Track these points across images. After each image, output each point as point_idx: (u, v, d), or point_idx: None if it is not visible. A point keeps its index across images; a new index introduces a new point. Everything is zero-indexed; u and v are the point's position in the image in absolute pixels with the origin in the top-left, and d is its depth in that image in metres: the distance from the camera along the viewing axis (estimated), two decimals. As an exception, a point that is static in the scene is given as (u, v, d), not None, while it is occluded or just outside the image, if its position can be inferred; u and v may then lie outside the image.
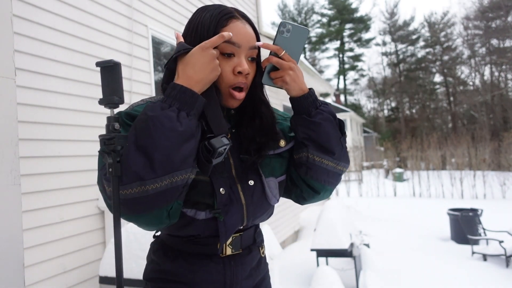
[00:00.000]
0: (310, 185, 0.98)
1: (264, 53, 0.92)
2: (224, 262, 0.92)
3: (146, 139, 0.73)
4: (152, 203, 0.74)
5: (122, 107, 0.83)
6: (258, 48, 0.93)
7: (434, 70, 37.29)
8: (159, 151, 0.73)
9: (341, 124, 0.99)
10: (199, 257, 0.91)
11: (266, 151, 0.95)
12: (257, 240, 1.01)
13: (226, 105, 0.90)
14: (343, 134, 0.98)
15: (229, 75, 0.86)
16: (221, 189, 0.88)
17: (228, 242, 0.93)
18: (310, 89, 0.95)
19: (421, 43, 38.46)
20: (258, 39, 0.92)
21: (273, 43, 0.92)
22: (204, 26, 0.87)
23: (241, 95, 0.89)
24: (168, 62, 0.85)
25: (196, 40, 0.87)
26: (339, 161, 0.97)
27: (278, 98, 6.97)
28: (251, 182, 0.94)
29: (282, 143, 0.99)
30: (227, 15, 0.87)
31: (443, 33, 36.14)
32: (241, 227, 0.93)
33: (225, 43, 0.84)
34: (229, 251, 0.93)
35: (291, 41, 0.92)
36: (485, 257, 5.47)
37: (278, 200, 0.99)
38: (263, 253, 1.04)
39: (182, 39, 0.88)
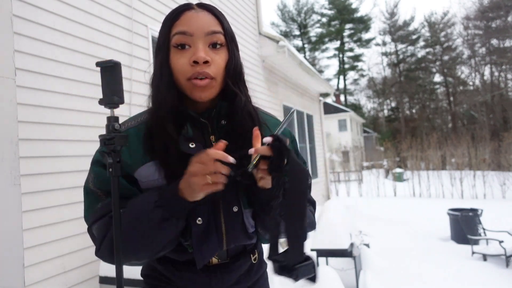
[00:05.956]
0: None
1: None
2: (209, 271, 0.89)
3: (138, 240, 0.78)
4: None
5: (121, 107, 0.83)
6: (225, 31, 0.85)
7: (434, 70, 37.35)
8: (144, 249, 0.79)
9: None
10: (184, 264, 0.89)
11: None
12: (247, 248, 0.95)
13: (195, 99, 0.83)
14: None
15: (185, 67, 0.81)
16: (198, 219, 0.82)
17: None
18: None
19: (421, 43, 38.56)
20: (222, 24, 0.85)
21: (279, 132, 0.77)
22: (161, 29, 0.86)
23: (203, 82, 0.80)
24: None
25: (157, 46, 0.86)
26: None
27: (277, 98, 6.94)
28: (235, 209, 0.86)
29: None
30: (179, 9, 0.85)
31: (443, 33, 36.21)
32: None
33: (177, 34, 0.82)
34: (215, 260, 0.90)
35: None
36: (485, 257, 5.46)
37: (253, 229, 0.91)
38: (255, 259, 0.96)
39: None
